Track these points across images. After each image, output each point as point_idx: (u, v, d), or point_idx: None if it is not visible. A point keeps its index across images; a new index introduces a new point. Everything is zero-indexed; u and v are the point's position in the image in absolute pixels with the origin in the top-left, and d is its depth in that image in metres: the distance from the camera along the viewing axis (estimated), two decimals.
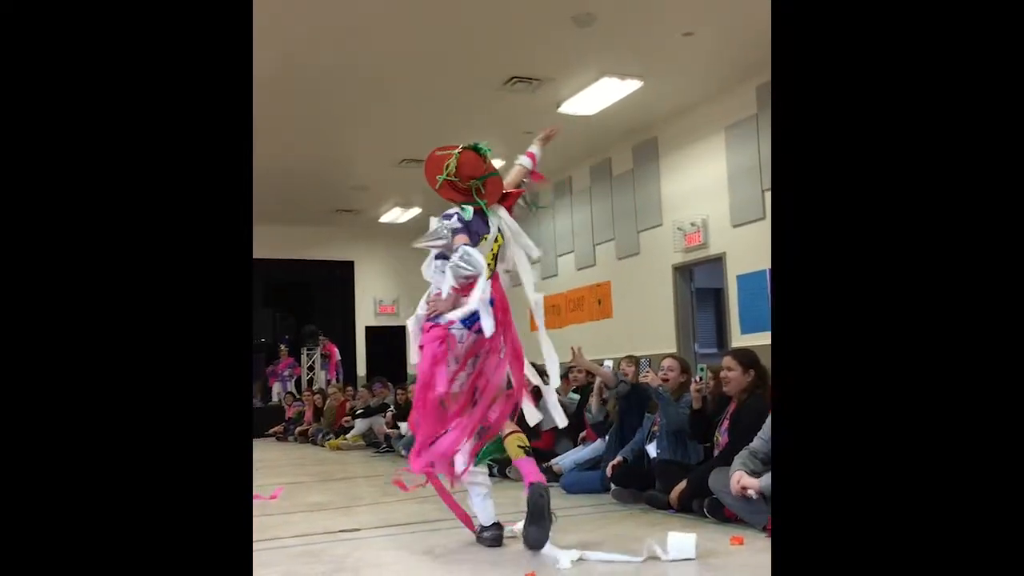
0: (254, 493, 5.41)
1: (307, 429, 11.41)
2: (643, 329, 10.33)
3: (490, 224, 3.52)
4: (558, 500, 4.84)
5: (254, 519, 4.51)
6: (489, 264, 3.45)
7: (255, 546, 3.74)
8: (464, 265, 3.32)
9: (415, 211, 14.34)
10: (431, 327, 3.40)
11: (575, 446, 5.87)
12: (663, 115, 9.77)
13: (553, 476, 5.40)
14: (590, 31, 7.45)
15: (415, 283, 17.92)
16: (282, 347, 14.61)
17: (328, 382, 13.63)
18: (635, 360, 5.65)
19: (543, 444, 5.91)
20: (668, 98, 9.29)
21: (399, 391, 9.36)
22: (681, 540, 3.12)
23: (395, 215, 14.49)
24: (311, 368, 14.89)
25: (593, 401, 5.47)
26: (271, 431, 12.50)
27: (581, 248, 11.70)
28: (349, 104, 9.13)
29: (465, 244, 3.35)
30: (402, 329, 15.72)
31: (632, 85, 8.78)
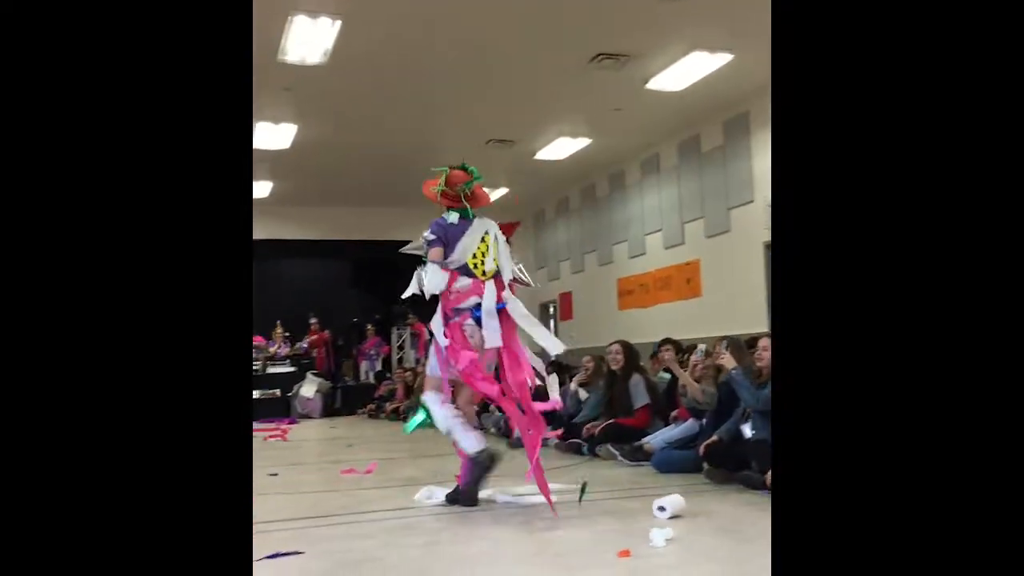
0: (350, 467, 5.57)
1: (398, 406, 11.62)
2: (733, 308, 10.14)
3: (474, 228, 4.14)
4: (648, 478, 4.82)
5: (351, 492, 4.64)
6: (481, 266, 4.08)
7: (353, 518, 3.84)
8: (423, 280, 3.99)
9: (501, 191, 14.38)
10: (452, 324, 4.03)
11: (666, 425, 5.81)
12: (755, 89, 9.51)
13: (645, 455, 5.37)
14: (678, 5, 7.29)
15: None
16: (369, 327, 14.89)
17: (417, 360, 13.86)
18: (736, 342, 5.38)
19: (636, 422, 5.88)
20: (760, 71, 9.03)
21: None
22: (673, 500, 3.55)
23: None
24: (401, 347, 15.16)
25: (690, 389, 5.36)
26: (363, 409, 12.79)
27: (669, 226, 11.54)
28: (436, 86, 9.19)
29: (435, 260, 4.01)
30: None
31: (722, 59, 8.57)
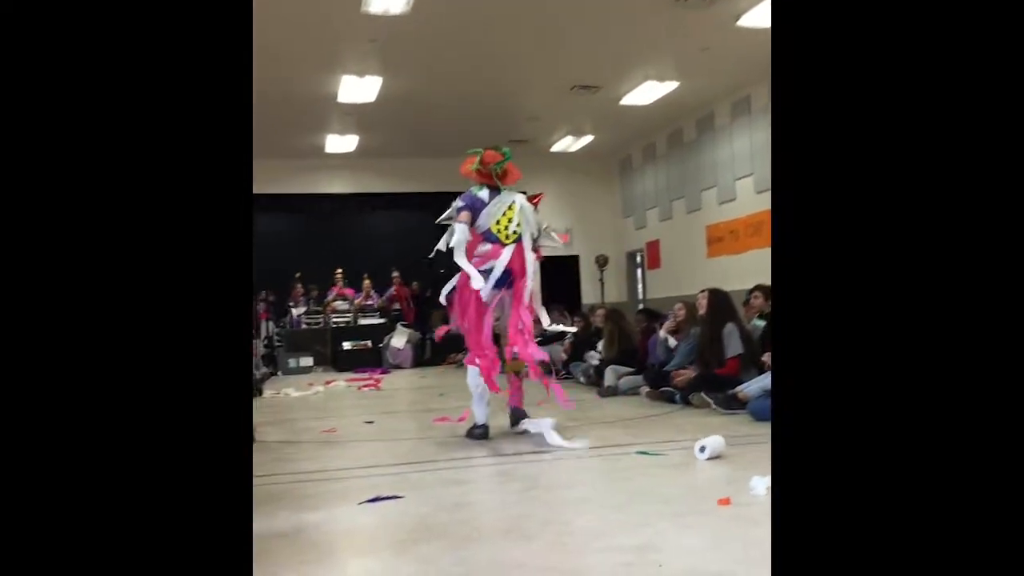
0: (443, 415, 5.65)
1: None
2: None
3: (500, 198, 4.60)
4: (744, 427, 4.75)
5: (445, 440, 4.71)
6: (505, 231, 4.55)
7: (449, 464, 3.92)
8: (451, 237, 4.54)
9: (587, 139, 14.22)
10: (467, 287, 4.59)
11: (760, 373, 5.70)
12: None
13: (740, 403, 5.28)
14: None
15: (588, 211, 17.84)
16: None
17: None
18: None
19: (728, 371, 5.78)
20: None
21: (576, 320, 9.41)
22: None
23: (566, 143, 14.42)
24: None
25: None
26: (452, 359, 12.89)
27: (761, 170, 11.19)
28: (520, 32, 9.06)
29: (463, 221, 4.48)
30: (576, 259, 15.79)
31: None
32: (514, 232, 4.54)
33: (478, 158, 4.66)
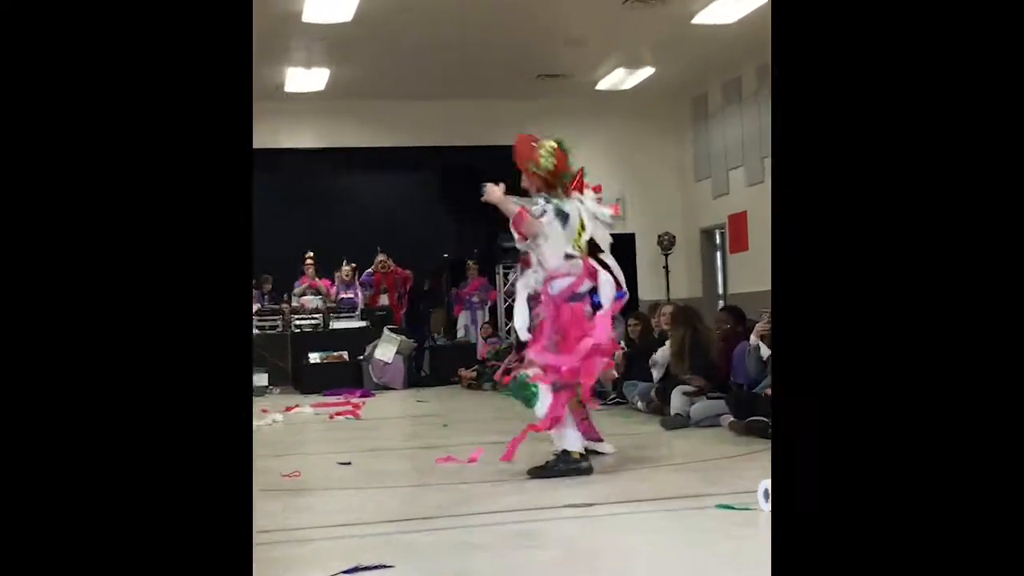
0: (447, 454, 5.67)
1: (511, 372, 11.64)
2: None
3: (570, 212, 5.11)
4: None
5: (451, 487, 4.71)
6: (579, 246, 5.13)
7: (456, 521, 3.91)
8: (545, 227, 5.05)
9: (646, 72, 14.17)
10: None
11: None
12: None
13: None
14: None
15: (647, 173, 17.74)
16: (470, 263, 15.00)
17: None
18: None
19: None
20: None
21: (631, 322, 9.28)
22: None
23: (617, 78, 14.39)
24: (511, 293, 15.26)
25: None
26: (460, 376, 12.87)
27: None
28: None
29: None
30: (632, 237, 15.73)
31: None
32: (586, 242, 5.17)
33: (547, 161, 5.07)
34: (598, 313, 5.09)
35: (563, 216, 5.03)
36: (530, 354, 5.18)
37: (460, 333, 14.89)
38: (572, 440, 4.94)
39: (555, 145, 5.14)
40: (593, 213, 5.27)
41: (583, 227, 5.17)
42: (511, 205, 4.99)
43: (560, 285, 5.07)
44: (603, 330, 5.05)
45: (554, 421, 4.89)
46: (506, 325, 14.01)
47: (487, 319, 14.73)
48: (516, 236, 5.18)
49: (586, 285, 5.10)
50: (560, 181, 5.14)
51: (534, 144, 5.17)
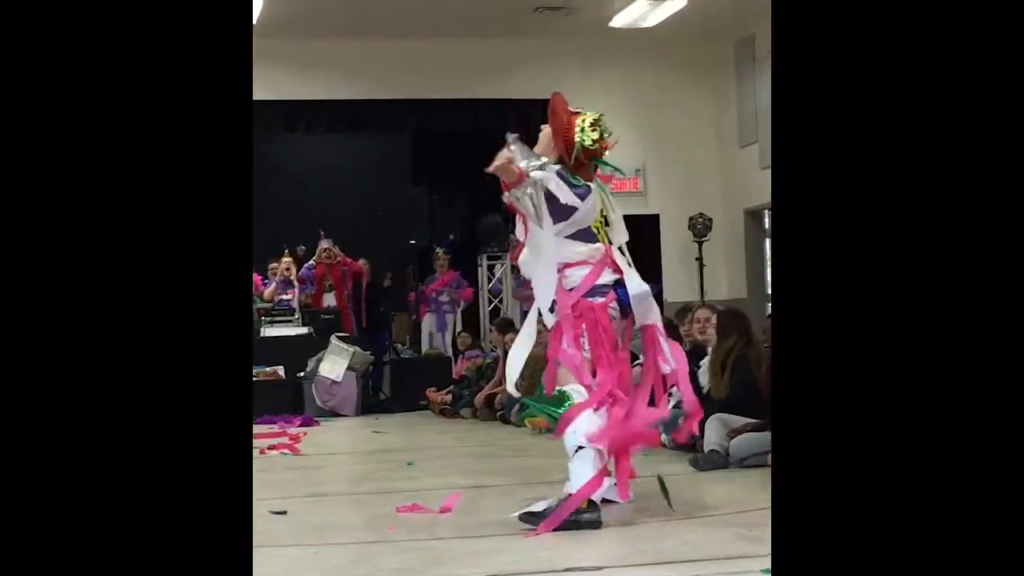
0: (413, 503, 5.65)
1: (495, 395, 11.54)
2: None
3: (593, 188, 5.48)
4: None
5: (417, 544, 4.70)
6: (601, 232, 5.49)
7: None
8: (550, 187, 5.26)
9: (674, 4, 14.13)
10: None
11: None
12: None
13: None
14: None
15: (676, 135, 17.73)
16: (439, 252, 14.86)
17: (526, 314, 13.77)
18: None
19: None
20: None
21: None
22: None
23: (638, 13, 14.35)
24: (497, 292, 15.20)
25: None
26: (431, 399, 12.79)
27: None
28: None
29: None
30: (655, 220, 15.70)
31: None
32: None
33: (586, 137, 5.34)
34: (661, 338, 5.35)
35: (576, 186, 5.24)
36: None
37: (425, 343, 14.71)
38: (589, 486, 4.95)
39: (596, 119, 5.41)
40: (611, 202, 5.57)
41: (605, 219, 5.48)
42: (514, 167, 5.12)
43: (577, 277, 5.22)
44: (682, 367, 5.45)
45: (598, 480, 4.96)
46: (491, 331, 13.89)
47: (461, 329, 14.58)
48: (518, 221, 5.42)
49: (608, 276, 5.28)
50: (592, 165, 5.48)
51: (572, 109, 5.42)
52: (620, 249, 5.50)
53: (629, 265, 5.42)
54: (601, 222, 5.49)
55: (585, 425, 4.97)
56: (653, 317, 5.44)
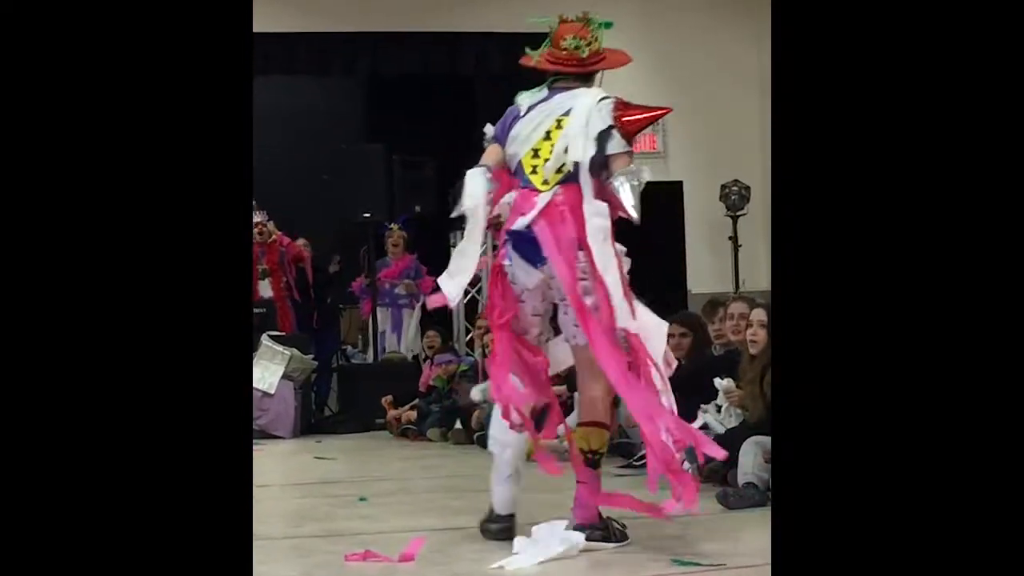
0: (366, 550, 5.69)
1: (474, 410, 11.43)
2: None
3: (541, 108, 5.70)
4: None
5: None
6: (538, 168, 5.63)
7: None
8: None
9: None
10: None
11: None
12: None
13: None
14: None
15: (704, 89, 17.94)
16: (394, 230, 14.58)
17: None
18: None
19: None
20: None
21: (679, 333, 9.06)
22: None
23: None
24: (474, 280, 15.11)
25: None
26: (389, 416, 12.71)
27: None
28: None
29: (484, 164, 5.80)
30: (678, 188, 15.72)
31: None
32: (556, 171, 5.47)
33: (547, 40, 5.65)
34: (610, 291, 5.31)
35: (510, 122, 5.65)
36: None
37: (384, 345, 14.54)
38: (497, 495, 5.71)
39: (556, 19, 5.70)
40: (592, 126, 5.43)
41: (554, 142, 5.46)
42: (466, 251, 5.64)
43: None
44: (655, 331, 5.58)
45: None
46: (468, 332, 13.86)
47: (418, 328, 14.40)
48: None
49: (517, 223, 5.45)
50: (571, 48, 5.61)
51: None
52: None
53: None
54: (546, 153, 5.52)
55: (497, 426, 5.58)
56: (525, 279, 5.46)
